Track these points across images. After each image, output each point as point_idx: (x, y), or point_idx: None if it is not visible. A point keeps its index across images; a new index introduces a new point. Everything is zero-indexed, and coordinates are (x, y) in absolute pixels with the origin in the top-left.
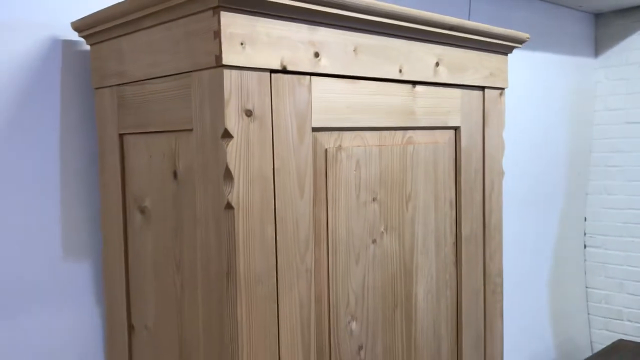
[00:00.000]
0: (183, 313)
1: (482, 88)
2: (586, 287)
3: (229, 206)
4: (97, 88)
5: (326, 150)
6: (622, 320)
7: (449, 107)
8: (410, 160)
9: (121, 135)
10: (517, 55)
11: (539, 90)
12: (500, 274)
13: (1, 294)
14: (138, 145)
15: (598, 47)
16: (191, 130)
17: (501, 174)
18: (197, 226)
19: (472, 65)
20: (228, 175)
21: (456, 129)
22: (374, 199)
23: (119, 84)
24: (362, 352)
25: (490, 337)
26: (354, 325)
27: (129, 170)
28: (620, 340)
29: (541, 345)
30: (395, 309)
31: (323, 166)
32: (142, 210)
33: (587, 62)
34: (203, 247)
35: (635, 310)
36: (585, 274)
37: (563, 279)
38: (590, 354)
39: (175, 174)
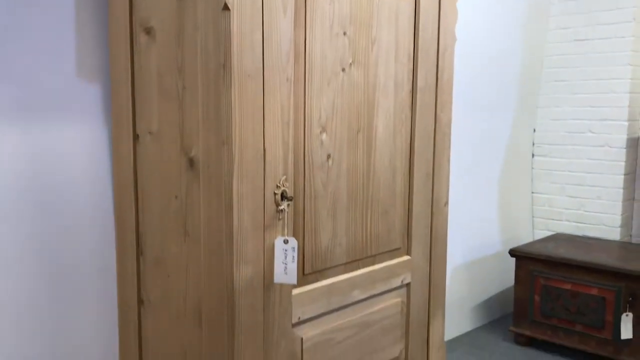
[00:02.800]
0: (184, 110)
1: None
2: (532, 192)
3: (225, 7)
4: None
5: None
6: (562, 220)
7: None
8: (376, 7)
9: None
10: None
11: (495, 9)
12: (449, 124)
13: (23, 107)
14: None
15: None
16: None
17: (454, 39)
18: (197, 32)
19: None
20: None
21: None
22: (344, 33)
23: None
24: (330, 161)
25: (438, 177)
26: (324, 136)
27: None
28: (558, 233)
29: (489, 240)
30: (359, 133)
31: None
32: (148, 31)
33: None
34: (202, 49)
35: (573, 210)
36: (532, 180)
37: (511, 185)
38: None
39: None
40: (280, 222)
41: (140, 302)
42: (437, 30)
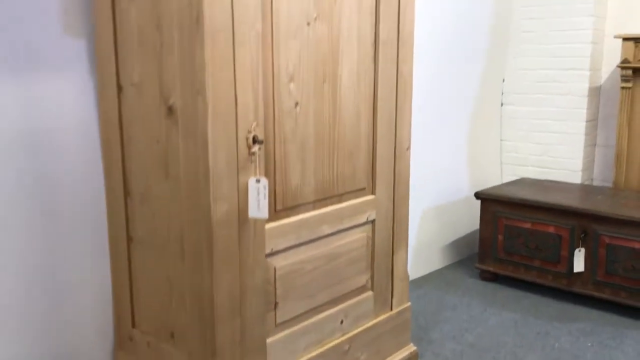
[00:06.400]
0: (162, 63)
1: None
2: (500, 140)
3: None
4: None
5: None
6: (527, 166)
7: None
8: None
9: None
10: None
11: None
12: (410, 74)
13: (14, 62)
14: None
15: None
16: None
17: None
18: None
19: None
20: None
21: None
22: None
23: None
24: (298, 108)
25: (400, 123)
26: (292, 85)
27: None
28: (522, 178)
29: (458, 185)
30: (325, 82)
31: None
32: None
33: None
34: (177, 6)
35: (538, 156)
36: (500, 128)
37: (481, 133)
38: None
39: None
40: (253, 164)
41: (129, 239)
42: None
